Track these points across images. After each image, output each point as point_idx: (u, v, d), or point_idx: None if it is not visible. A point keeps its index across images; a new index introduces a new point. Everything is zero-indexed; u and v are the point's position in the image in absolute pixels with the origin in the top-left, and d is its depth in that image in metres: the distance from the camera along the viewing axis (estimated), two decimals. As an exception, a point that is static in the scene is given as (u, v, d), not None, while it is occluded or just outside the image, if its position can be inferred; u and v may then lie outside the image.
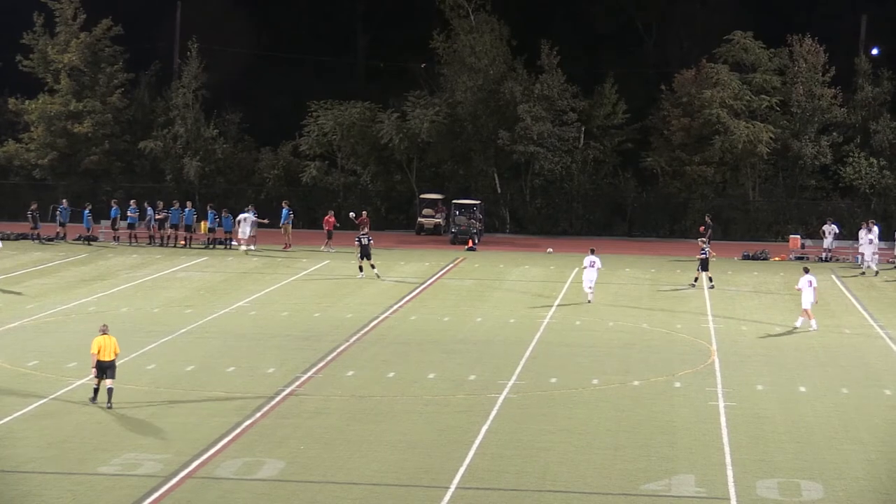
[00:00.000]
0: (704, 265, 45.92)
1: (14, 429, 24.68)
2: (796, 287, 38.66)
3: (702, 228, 55.49)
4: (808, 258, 56.97)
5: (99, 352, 26.36)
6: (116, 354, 26.59)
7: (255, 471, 22.08)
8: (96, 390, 26.62)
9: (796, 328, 37.83)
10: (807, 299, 37.89)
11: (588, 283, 42.65)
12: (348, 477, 21.82)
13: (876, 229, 55.22)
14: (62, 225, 58.98)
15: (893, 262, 55.37)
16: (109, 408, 26.22)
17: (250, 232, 56.14)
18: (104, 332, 26.76)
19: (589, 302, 42.33)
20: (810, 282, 37.94)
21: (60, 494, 20.64)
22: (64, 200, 60.42)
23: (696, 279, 46.47)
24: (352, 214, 59.00)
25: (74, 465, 22.27)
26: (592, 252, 43.35)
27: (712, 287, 45.98)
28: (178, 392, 27.86)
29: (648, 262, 53.25)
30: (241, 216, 56.68)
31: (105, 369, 26.42)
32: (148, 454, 22.83)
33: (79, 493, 20.73)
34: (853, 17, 72.84)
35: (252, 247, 56.41)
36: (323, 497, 20.79)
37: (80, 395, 27.36)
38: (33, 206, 58.80)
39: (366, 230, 50.16)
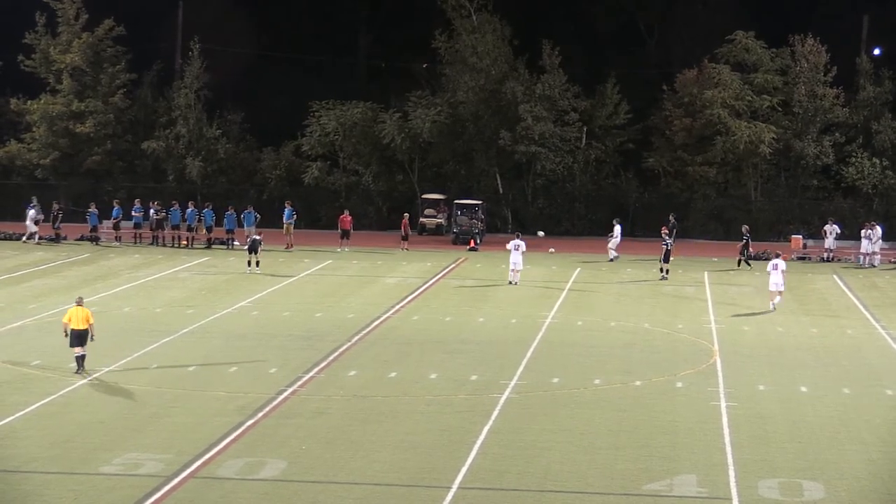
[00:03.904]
0: (666, 257, 48.80)
1: (16, 428, 24.70)
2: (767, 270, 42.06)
3: (664, 229, 55.75)
4: (809, 258, 57.08)
5: (70, 321, 28.93)
6: (90, 324, 29.10)
7: (257, 471, 22.09)
8: (77, 358, 29.10)
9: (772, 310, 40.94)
10: (772, 281, 41.08)
11: (512, 265, 46.12)
12: (350, 477, 21.82)
13: (879, 230, 55.31)
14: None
15: (895, 262, 55.47)
16: (80, 372, 28.86)
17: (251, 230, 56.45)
18: (79, 303, 29.37)
19: (510, 283, 45.90)
20: (776, 265, 41.21)
21: (62, 494, 20.65)
22: (34, 198, 60.46)
23: (661, 270, 48.92)
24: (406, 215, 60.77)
25: (76, 464, 22.28)
26: (518, 236, 47.29)
27: (664, 279, 48.28)
28: (180, 392, 27.88)
29: (650, 263, 53.22)
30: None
31: (78, 337, 28.98)
32: (150, 454, 22.83)
33: (80, 492, 20.73)
34: (855, 17, 72.80)
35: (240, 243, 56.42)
36: (325, 497, 20.80)
37: (83, 395, 27.44)
38: (55, 207, 59.05)
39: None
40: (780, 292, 41.29)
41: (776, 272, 41.11)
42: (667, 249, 48.91)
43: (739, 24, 68.90)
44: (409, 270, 50.69)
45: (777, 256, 42.09)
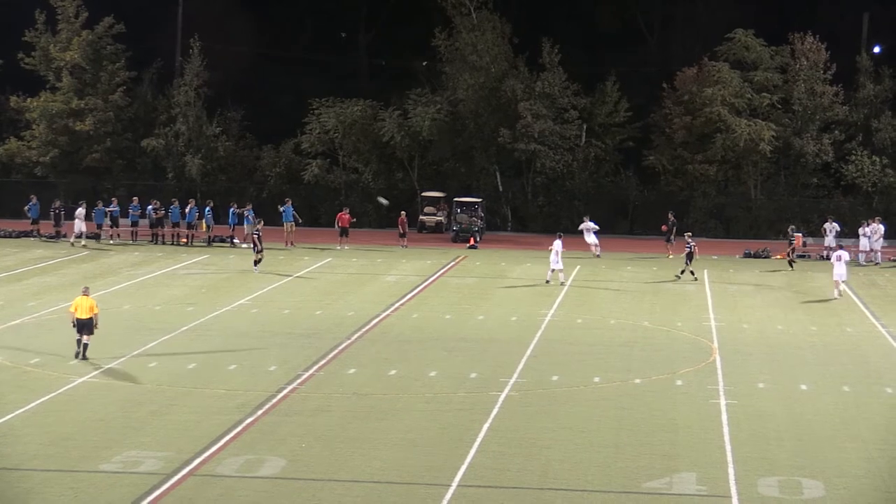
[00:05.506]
0: (689, 258, 48.37)
1: (16, 426, 24.71)
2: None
3: (664, 227, 55.66)
4: (808, 256, 57.06)
5: (76, 310, 30.43)
6: (95, 314, 30.56)
7: (257, 468, 22.09)
8: (78, 342, 30.48)
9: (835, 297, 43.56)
10: (836, 272, 43.50)
11: (553, 264, 46.33)
12: (350, 475, 21.83)
13: (882, 227, 55.28)
14: (35, 222, 59.15)
15: (895, 261, 55.47)
16: (84, 359, 30.15)
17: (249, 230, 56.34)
18: (85, 293, 30.96)
19: (547, 282, 46.21)
20: (840, 256, 43.89)
21: (62, 492, 20.66)
22: (33, 196, 60.32)
23: (692, 272, 48.13)
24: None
25: (76, 462, 22.29)
26: (559, 237, 47.53)
27: (695, 279, 47.91)
28: (180, 390, 27.90)
29: (650, 261, 53.25)
30: None
31: (82, 326, 30.45)
32: (149, 452, 22.85)
33: (80, 490, 20.75)
34: (855, 15, 72.79)
35: (245, 244, 56.24)
36: (324, 495, 20.80)
37: (82, 393, 27.44)
38: (56, 204, 59.06)
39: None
40: (844, 281, 43.73)
41: (840, 263, 43.52)
42: (689, 251, 48.25)
43: (739, 22, 68.88)
44: (409, 268, 50.68)
45: (841, 248, 45.29)
